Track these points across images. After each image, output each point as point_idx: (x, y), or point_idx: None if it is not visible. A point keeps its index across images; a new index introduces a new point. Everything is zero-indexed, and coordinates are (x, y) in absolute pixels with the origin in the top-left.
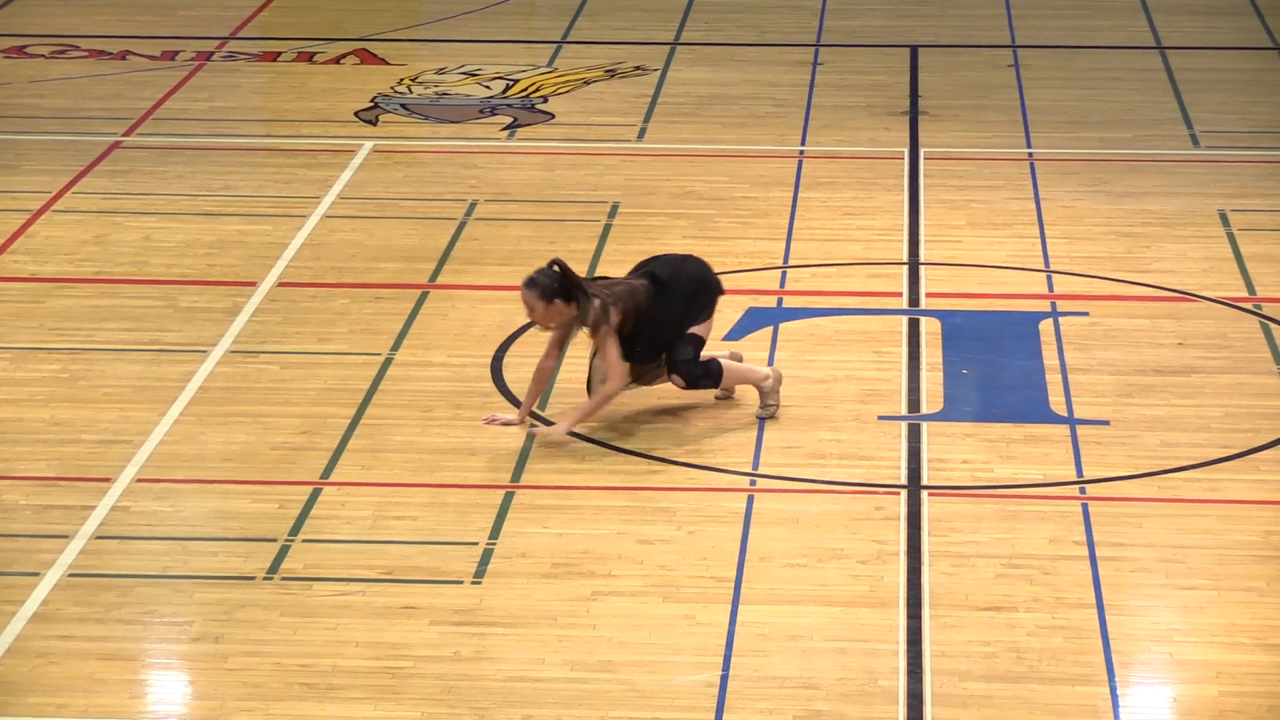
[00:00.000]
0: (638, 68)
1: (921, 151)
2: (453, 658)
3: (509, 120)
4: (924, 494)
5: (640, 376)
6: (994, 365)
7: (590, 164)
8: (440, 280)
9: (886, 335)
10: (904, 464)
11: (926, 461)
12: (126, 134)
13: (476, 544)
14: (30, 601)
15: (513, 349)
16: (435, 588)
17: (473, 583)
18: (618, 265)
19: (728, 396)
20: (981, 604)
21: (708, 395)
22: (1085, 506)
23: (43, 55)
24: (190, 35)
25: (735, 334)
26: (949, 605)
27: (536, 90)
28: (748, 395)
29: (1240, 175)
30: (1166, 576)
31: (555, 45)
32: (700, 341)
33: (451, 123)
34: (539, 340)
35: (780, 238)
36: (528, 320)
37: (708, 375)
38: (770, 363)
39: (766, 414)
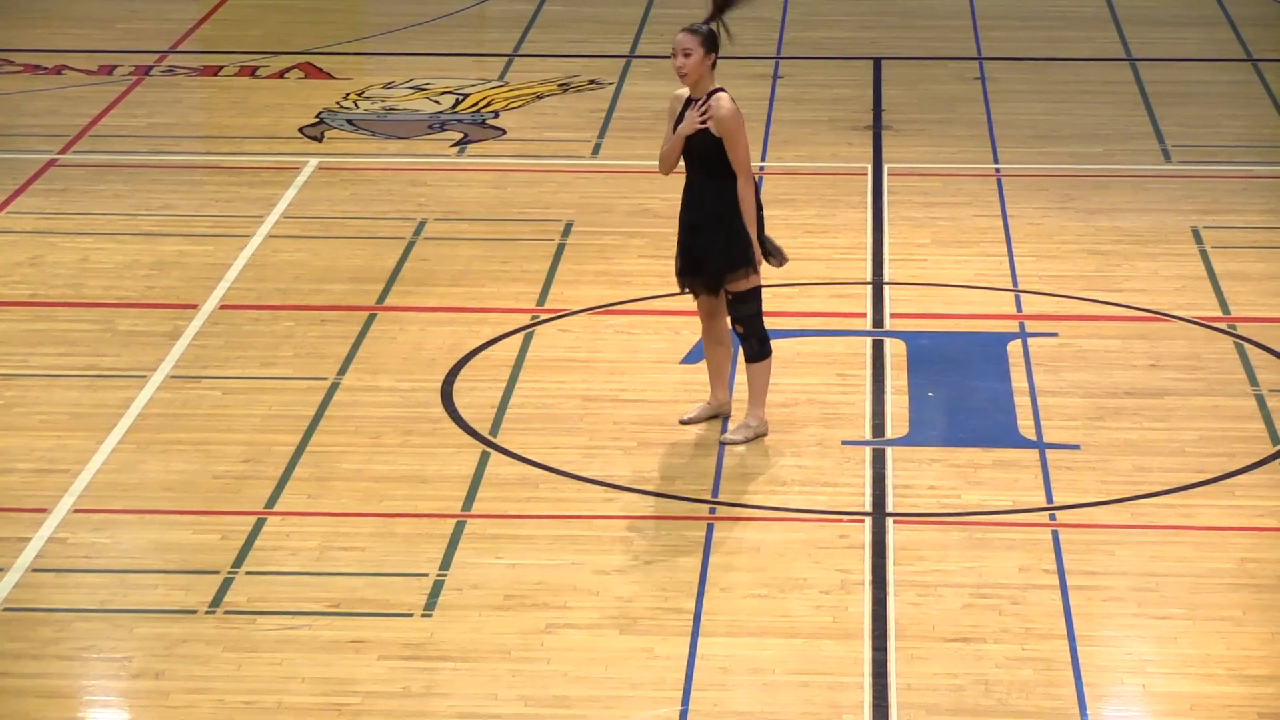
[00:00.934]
0: (592, 81)
1: (885, 167)
2: (402, 693)
3: (459, 136)
4: (889, 521)
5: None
6: (961, 388)
7: (543, 181)
8: (388, 302)
9: (850, 357)
10: (868, 490)
11: (891, 488)
12: (62, 151)
13: (427, 575)
14: None
15: (464, 373)
16: (384, 621)
17: (423, 615)
18: (572, 287)
19: (693, 421)
20: (949, 635)
21: (670, 419)
22: (1055, 534)
23: None
24: (128, 49)
25: (694, 356)
26: (915, 636)
27: (487, 105)
28: (710, 421)
29: (1213, 190)
30: (1139, 606)
31: (506, 58)
32: (761, 298)
33: (399, 139)
34: (491, 364)
35: None
36: (679, 65)
37: (764, 342)
38: (731, 386)
39: (736, 438)
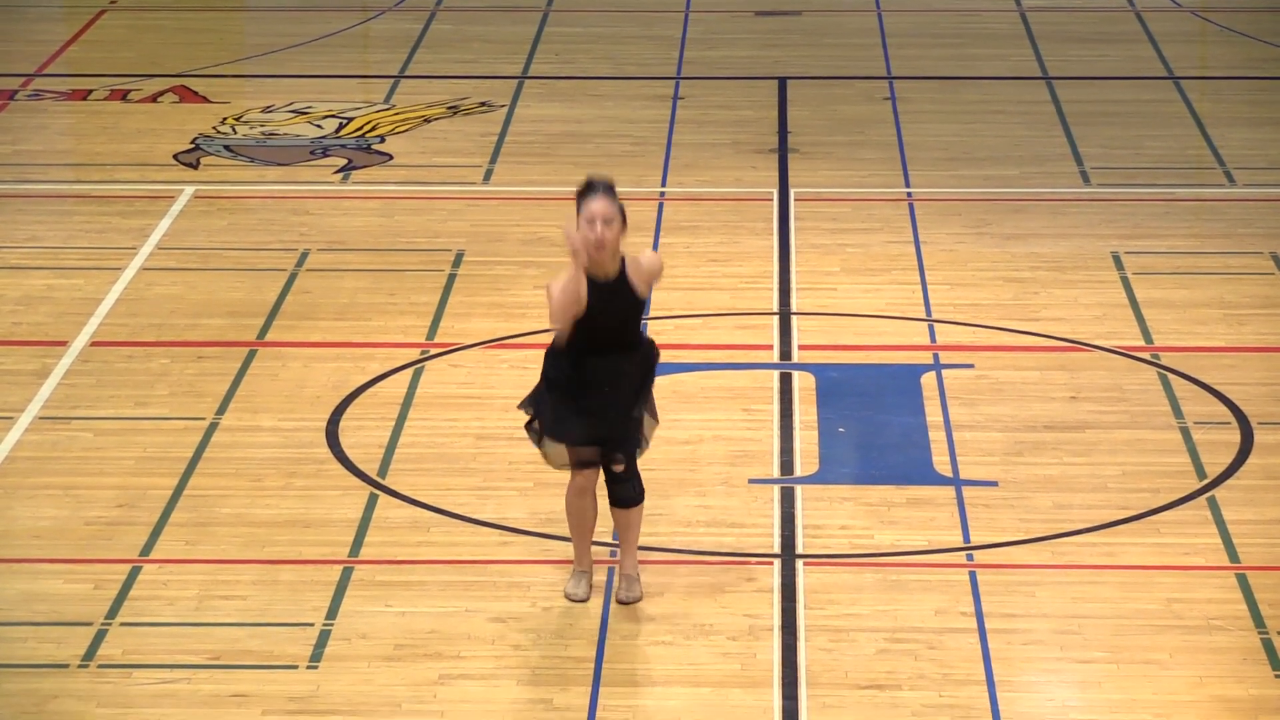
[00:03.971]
0: (483, 104)
1: (792, 192)
2: None
3: (343, 162)
4: (799, 563)
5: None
6: (873, 423)
7: (432, 209)
8: (269, 337)
9: (757, 392)
10: (777, 531)
11: (801, 528)
12: None
13: (312, 625)
14: None
15: (349, 412)
16: (267, 673)
17: (309, 667)
18: (463, 319)
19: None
20: (863, 682)
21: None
22: (973, 575)
23: None
24: None
25: None
26: (828, 684)
27: (373, 129)
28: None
29: (1134, 215)
30: (1061, 649)
31: (392, 80)
32: None
33: (280, 165)
34: (378, 402)
35: None
36: (599, 236)
37: (640, 486)
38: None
39: (636, 594)
